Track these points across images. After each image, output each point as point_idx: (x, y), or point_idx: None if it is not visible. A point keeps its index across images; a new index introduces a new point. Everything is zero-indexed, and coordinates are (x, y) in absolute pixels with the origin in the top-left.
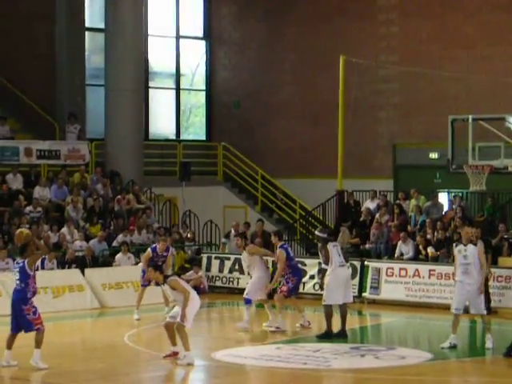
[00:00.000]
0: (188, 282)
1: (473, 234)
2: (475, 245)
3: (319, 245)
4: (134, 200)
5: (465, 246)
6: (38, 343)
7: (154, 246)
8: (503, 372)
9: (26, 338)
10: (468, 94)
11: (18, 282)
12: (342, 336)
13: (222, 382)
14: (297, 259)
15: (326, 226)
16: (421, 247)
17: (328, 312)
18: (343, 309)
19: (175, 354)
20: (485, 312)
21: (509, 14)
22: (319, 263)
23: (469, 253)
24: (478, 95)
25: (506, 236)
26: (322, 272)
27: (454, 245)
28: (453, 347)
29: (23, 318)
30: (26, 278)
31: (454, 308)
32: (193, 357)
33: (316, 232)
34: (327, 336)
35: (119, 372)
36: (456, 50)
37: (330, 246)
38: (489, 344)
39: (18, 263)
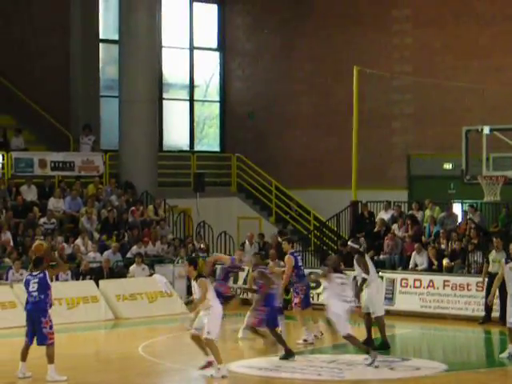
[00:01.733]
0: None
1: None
2: None
3: (356, 256)
4: (153, 212)
5: None
6: (51, 358)
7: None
8: None
9: (40, 350)
10: (482, 104)
11: (35, 293)
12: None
13: None
14: (312, 270)
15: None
16: (432, 258)
17: (381, 323)
18: (369, 319)
19: (210, 363)
20: None
21: None
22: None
23: None
24: (493, 106)
25: None
26: (360, 283)
27: (504, 261)
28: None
29: (40, 331)
30: (46, 289)
31: (509, 321)
32: (226, 369)
33: (350, 243)
34: (384, 347)
35: (133, 383)
36: (470, 61)
37: (367, 257)
38: (505, 354)
39: (33, 275)
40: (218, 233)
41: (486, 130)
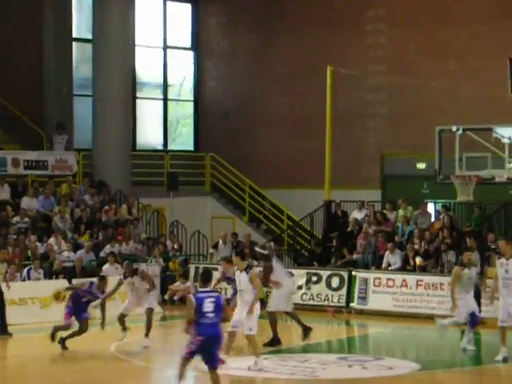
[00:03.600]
0: (175, 293)
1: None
2: None
3: (262, 262)
4: (127, 211)
5: (507, 260)
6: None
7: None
8: (490, 382)
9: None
10: (456, 104)
11: (211, 315)
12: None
13: None
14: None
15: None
16: (410, 257)
17: (272, 319)
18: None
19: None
20: None
21: (497, 25)
22: (307, 273)
23: (510, 267)
24: (466, 106)
25: (493, 246)
26: None
27: (497, 257)
28: (505, 360)
29: (213, 355)
30: (221, 311)
31: (500, 320)
32: (263, 362)
33: (257, 249)
34: (275, 343)
35: (105, 383)
36: (444, 61)
37: (274, 261)
38: (499, 356)
39: (207, 292)
40: (192, 232)
41: (460, 130)
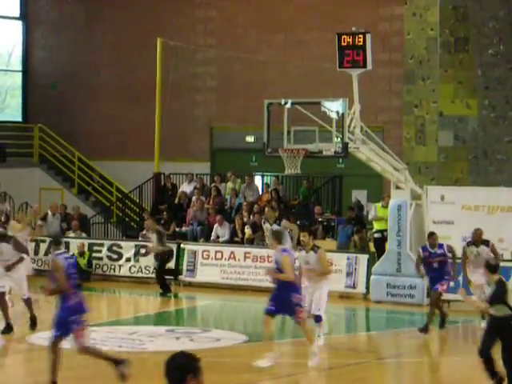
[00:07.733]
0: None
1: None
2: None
3: None
4: None
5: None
6: None
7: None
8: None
9: None
10: (284, 78)
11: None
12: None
13: (36, 365)
14: (113, 242)
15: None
16: (238, 230)
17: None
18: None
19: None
20: None
21: None
22: (135, 246)
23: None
24: (295, 79)
25: (320, 219)
26: None
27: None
28: None
29: None
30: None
31: None
32: None
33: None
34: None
35: None
36: (273, 35)
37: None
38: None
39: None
40: (20, 204)
41: (288, 103)
